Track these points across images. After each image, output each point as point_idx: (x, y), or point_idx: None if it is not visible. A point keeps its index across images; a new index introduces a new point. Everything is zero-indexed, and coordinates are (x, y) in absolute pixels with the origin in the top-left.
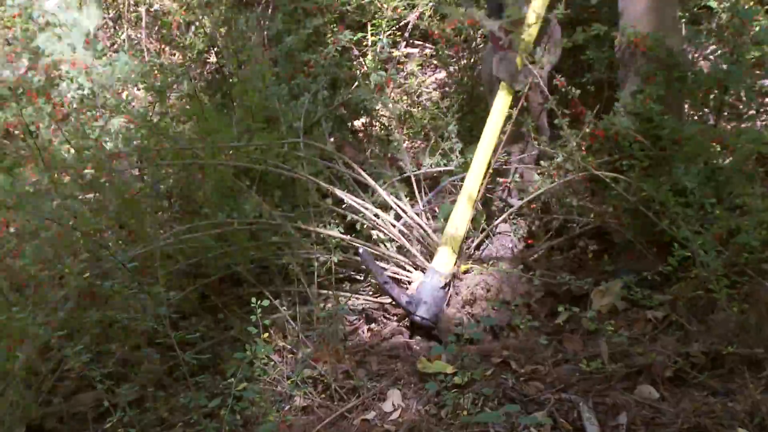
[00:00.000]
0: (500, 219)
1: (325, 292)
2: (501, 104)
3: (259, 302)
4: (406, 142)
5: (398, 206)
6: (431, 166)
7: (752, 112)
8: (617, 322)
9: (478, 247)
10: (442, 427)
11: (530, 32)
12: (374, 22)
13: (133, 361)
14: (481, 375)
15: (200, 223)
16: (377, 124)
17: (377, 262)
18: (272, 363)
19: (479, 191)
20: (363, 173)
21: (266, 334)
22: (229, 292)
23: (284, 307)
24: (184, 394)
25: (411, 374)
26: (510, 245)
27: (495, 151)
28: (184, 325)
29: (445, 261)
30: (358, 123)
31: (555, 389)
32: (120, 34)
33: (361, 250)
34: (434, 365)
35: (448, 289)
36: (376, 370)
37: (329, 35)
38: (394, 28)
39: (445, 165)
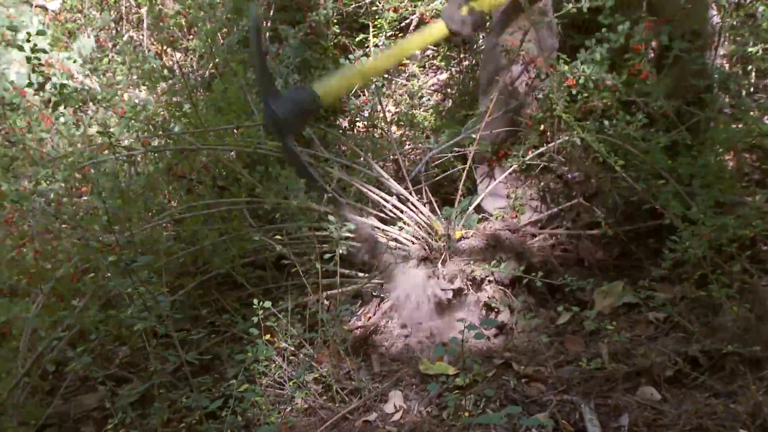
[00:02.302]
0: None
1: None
2: (433, 30)
3: (260, 304)
4: (408, 143)
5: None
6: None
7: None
8: (618, 323)
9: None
10: (444, 428)
11: None
12: (376, 23)
13: (137, 362)
14: (482, 376)
15: (201, 202)
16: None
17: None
18: (274, 365)
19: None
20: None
21: (267, 335)
22: (231, 294)
23: (286, 309)
24: (186, 395)
25: (412, 375)
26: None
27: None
28: (185, 326)
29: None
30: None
31: (557, 390)
32: (122, 35)
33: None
34: (436, 366)
35: None
36: (378, 372)
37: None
38: (395, 29)
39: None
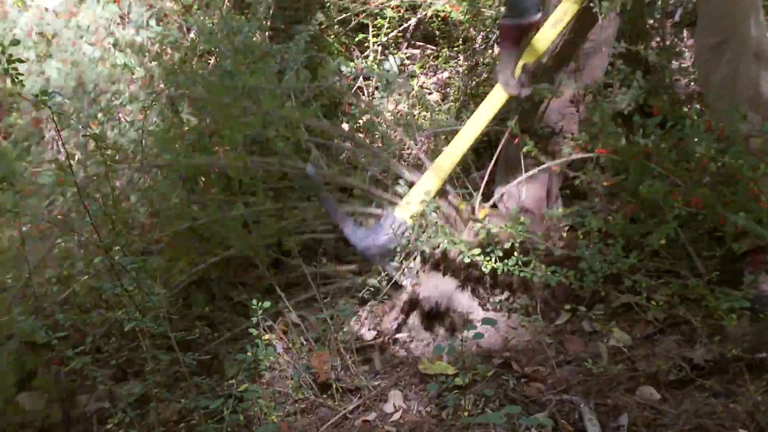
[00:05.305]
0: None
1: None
2: (494, 98)
3: (260, 304)
4: (408, 143)
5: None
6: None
7: None
8: (618, 323)
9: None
10: (443, 428)
11: (544, 37)
12: (376, 23)
13: (137, 362)
14: (482, 376)
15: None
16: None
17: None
18: (274, 363)
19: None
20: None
21: (267, 336)
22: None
23: (287, 308)
24: (186, 395)
25: (412, 375)
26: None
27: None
28: (186, 326)
29: (403, 208)
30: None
31: (556, 390)
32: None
33: (308, 168)
34: (435, 366)
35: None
36: (378, 371)
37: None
38: (395, 29)
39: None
